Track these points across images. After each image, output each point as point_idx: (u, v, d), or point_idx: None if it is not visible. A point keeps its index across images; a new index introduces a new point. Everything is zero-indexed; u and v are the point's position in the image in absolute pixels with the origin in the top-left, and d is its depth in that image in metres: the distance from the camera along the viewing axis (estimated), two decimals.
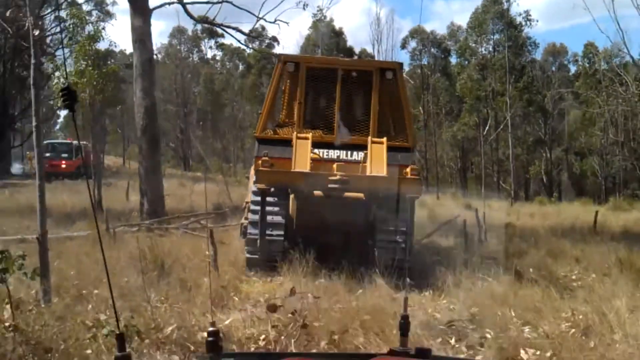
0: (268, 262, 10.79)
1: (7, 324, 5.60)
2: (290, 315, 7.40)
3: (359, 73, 12.14)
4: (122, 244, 12.84)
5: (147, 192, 17.73)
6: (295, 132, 11.09)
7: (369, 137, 11.09)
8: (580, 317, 7.73)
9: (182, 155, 61.02)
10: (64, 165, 36.84)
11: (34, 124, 8.19)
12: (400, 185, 10.60)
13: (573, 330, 7.27)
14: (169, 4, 19.49)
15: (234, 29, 20.84)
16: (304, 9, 22.78)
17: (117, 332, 1.88)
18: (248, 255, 11.16)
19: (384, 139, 10.99)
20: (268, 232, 10.86)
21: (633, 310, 8.01)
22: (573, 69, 58.60)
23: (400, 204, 10.65)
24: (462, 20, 62.44)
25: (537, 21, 54.85)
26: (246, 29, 21.27)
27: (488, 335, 7.15)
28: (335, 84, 11.70)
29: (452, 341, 7.05)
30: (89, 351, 5.81)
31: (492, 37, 52.77)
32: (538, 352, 6.59)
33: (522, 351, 6.58)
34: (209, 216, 17.00)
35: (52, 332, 6.06)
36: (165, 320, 7.01)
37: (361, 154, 11.07)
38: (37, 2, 46.78)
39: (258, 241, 10.84)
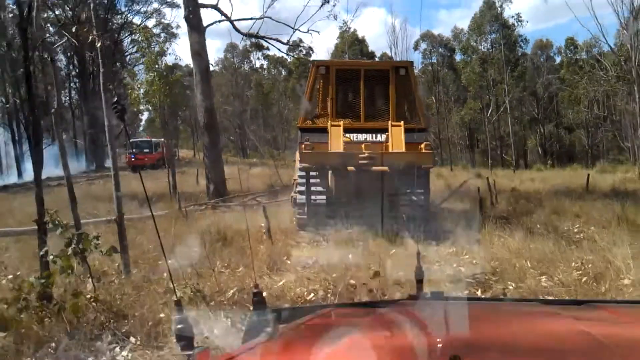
0: (314, 221, 11.12)
1: (88, 296, 5.19)
2: (334, 275, 6.97)
3: (377, 71, 12.74)
4: (193, 220, 12.49)
5: (211, 177, 17.40)
6: (329, 121, 11.61)
7: (389, 122, 11.53)
8: (590, 265, 7.13)
9: (240, 146, 61.18)
10: (146, 159, 37.01)
11: (106, 123, 7.78)
12: (417, 158, 11.02)
13: (585, 278, 6.68)
14: (220, 21, 19.10)
15: (274, 39, 20.39)
16: (335, 18, 22.24)
17: (175, 299, 1.75)
18: (298, 216, 11.54)
19: (402, 123, 11.41)
20: (312, 198, 11.33)
21: (634, 257, 7.40)
22: (558, 59, 57.23)
23: (417, 173, 10.97)
24: (464, 24, 61.82)
25: (527, 22, 53.73)
26: (284, 39, 20.64)
27: (510, 287, 6.59)
28: (359, 81, 12.19)
29: (479, 292, 6.51)
30: (161, 315, 5.40)
31: (489, 36, 51.73)
32: None
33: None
34: (263, 194, 16.67)
35: (129, 300, 5.67)
36: (227, 284, 6.60)
37: (384, 136, 11.51)
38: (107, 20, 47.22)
39: (305, 206, 11.31)
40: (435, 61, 56.47)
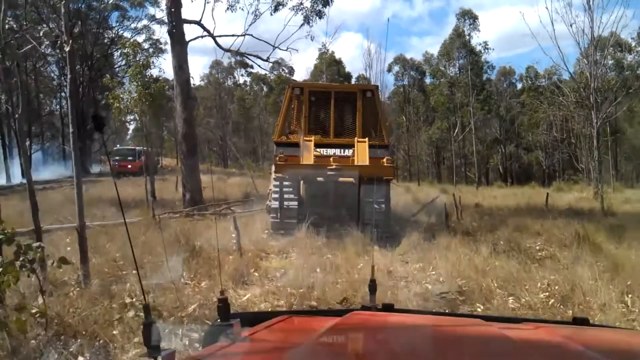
0: (286, 224, 11.44)
1: (33, 311, 4.52)
2: (301, 290, 6.39)
3: (346, 94, 13.43)
4: (165, 229, 11.79)
5: (187, 186, 16.66)
6: (302, 137, 12.07)
7: (355, 138, 12.08)
8: (556, 287, 6.63)
9: (222, 157, 60.43)
10: (129, 166, 36.12)
11: (70, 130, 7.16)
12: (379, 170, 11.47)
13: (552, 300, 6.17)
14: (202, 37, 18.39)
15: (255, 56, 19.76)
16: (312, 39, 21.81)
17: (144, 303, 1.63)
18: (272, 221, 11.81)
19: (367, 139, 11.99)
20: (285, 204, 11.67)
21: (599, 278, 6.93)
22: (519, 85, 57.65)
23: (379, 184, 11.49)
24: (434, 50, 62.00)
25: (493, 49, 53.76)
26: (265, 56, 20.05)
27: (478, 308, 6.05)
28: (330, 102, 12.88)
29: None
30: (115, 332, 4.75)
31: (457, 62, 51.73)
32: None
33: None
34: (238, 203, 16.03)
35: (81, 316, 5.00)
36: (189, 299, 5.97)
37: (350, 151, 12.00)
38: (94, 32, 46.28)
39: (279, 211, 11.62)
40: (406, 83, 56.37)
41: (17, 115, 7.71)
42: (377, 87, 14.80)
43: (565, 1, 27.03)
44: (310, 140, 11.90)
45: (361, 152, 11.66)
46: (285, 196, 11.75)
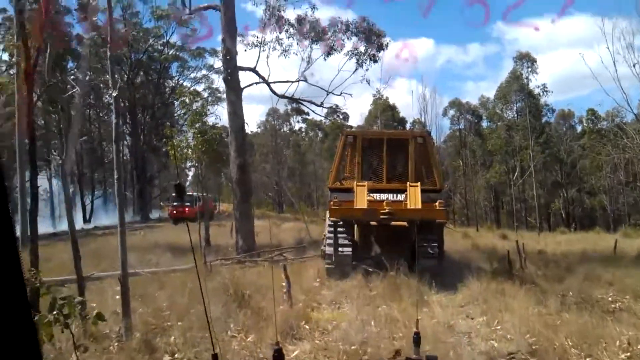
0: (340, 271, 11.41)
1: None
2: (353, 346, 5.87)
3: (398, 140, 13.44)
4: (216, 275, 11.46)
5: (241, 232, 16.40)
6: (355, 182, 12.37)
7: (408, 183, 12.14)
8: (638, 346, 5.88)
9: (277, 202, 60.53)
10: (187, 211, 36.31)
11: (115, 176, 6.91)
12: (431, 214, 11.62)
13: None
14: (257, 83, 18.43)
15: (309, 102, 19.60)
16: (367, 83, 21.42)
17: (213, 353, 1.79)
18: (327, 266, 11.85)
19: (419, 183, 12.09)
20: (340, 249, 11.78)
21: None
22: (579, 128, 56.39)
23: (432, 227, 11.75)
24: (489, 94, 61.28)
25: (552, 92, 52.26)
26: (319, 102, 19.82)
27: None
28: (382, 148, 13.02)
29: None
30: None
31: (515, 105, 50.47)
32: None
33: None
34: (291, 249, 15.65)
35: None
36: (234, 355, 5.54)
37: (403, 195, 12.03)
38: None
39: (333, 256, 11.72)
40: (462, 127, 55.43)
41: (61, 161, 7.48)
42: (429, 132, 15.43)
43: (627, 42, 25.72)
44: (363, 186, 12.07)
45: (413, 196, 11.74)
46: (340, 241, 11.84)
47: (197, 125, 17.49)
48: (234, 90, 16.24)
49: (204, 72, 49.29)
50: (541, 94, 49.60)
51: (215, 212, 49.77)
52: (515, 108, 50.45)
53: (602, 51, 40.33)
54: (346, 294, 9.67)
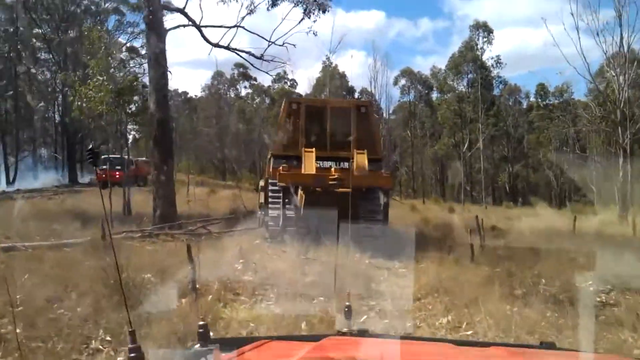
0: (284, 233, 11.50)
1: None
2: None
3: (341, 109, 13.60)
4: (110, 253, 9.17)
5: (159, 199, 13.96)
6: (302, 148, 12.29)
7: (353, 150, 11.90)
8: None
9: (221, 169, 57.87)
10: (117, 175, 33.35)
11: None
12: (379, 181, 12.03)
13: None
14: (185, 26, 15.69)
15: (246, 52, 17.03)
16: (314, 35, 18.90)
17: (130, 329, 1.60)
18: (271, 228, 12.05)
19: (365, 151, 12.07)
20: (286, 212, 11.89)
21: None
22: (524, 103, 55.37)
23: (378, 195, 12.01)
24: (441, 64, 59.63)
25: (505, 64, 50.69)
26: (258, 54, 17.21)
27: None
28: (325, 117, 13.07)
29: None
30: None
31: (466, 76, 49.13)
32: None
33: None
34: (219, 220, 13.46)
35: None
36: None
37: (346, 163, 12.07)
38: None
39: (280, 218, 11.87)
40: (412, 97, 53.71)
41: None
42: (370, 102, 16.87)
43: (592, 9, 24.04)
44: (311, 152, 12.02)
45: (360, 163, 11.75)
46: (287, 206, 11.91)
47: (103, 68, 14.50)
48: (156, 33, 13.58)
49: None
50: (494, 65, 48.49)
51: (149, 177, 46.53)
52: (466, 79, 49.24)
53: (552, 29, 38.94)
54: (274, 279, 7.58)
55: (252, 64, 17.76)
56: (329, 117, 13.06)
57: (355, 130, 12.69)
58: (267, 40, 16.97)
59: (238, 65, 64.42)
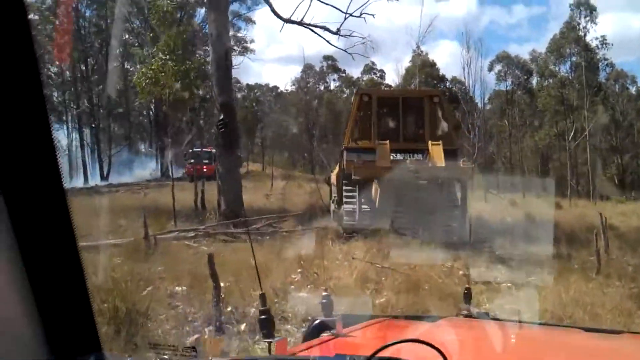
0: (361, 227, 10.78)
1: None
2: None
3: (413, 100, 13.27)
4: (156, 255, 7.72)
5: (224, 193, 12.47)
6: (376, 140, 11.94)
7: (429, 141, 11.75)
8: None
9: (310, 162, 56.91)
10: (205, 169, 32.77)
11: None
12: (457, 172, 11.39)
13: None
14: None
15: (320, 27, 15.20)
16: None
17: (260, 293, 1.91)
18: (346, 224, 11.39)
19: (440, 142, 11.71)
20: (362, 206, 11.40)
21: None
22: (632, 89, 49.55)
23: (457, 185, 11.43)
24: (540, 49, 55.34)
25: (612, 44, 45.42)
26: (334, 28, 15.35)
27: None
28: (397, 108, 12.63)
29: None
30: None
31: (568, 59, 44.80)
32: None
33: None
34: (288, 217, 11.92)
35: None
36: None
37: (421, 155, 11.68)
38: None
39: (356, 213, 11.39)
40: (510, 84, 49.98)
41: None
42: (444, 92, 15.65)
43: None
44: (385, 144, 11.56)
45: (436, 154, 11.34)
46: (362, 200, 11.44)
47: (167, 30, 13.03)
48: (217, 6, 12.05)
49: None
50: (599, 47, 43.64)
51: (244, 171, 46.26)
52: (570, 63, 44.82)
53: None
54: (336, 298, 5.72)
55: (329, 42, 15.99)
56: (402, 108, 12.63)
57: (429, 121, 12.45)
58: (342, 11, 15.08)
59: (327, 58, 64.84)
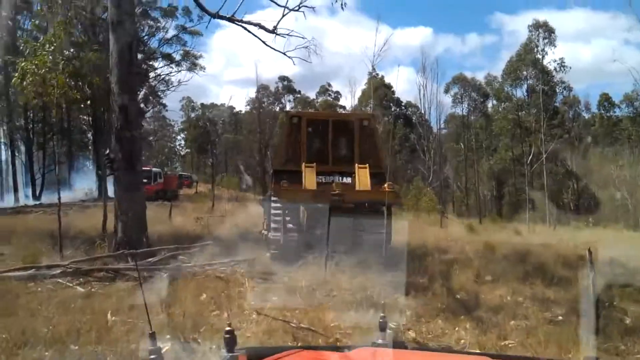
0: (286, 258, 10.22)
1: None
2: None
3: (343, 122, 13.02)
4: None
5: (121, 216, 9.91)
6: (302, 163, 11.39)
7: (355, 164, 11.52)
8: None
9: (263, 183, 55.09)
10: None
11: None
12: (382, 195, 10.59)
13: None
14: None
15: (254, 24, 13.02)
16: (342, 8, 15.09)
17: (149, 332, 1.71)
18: (273, 252, 11.03)
19: (367, 165, 11.44)
20: (289, 234, 10.99)
21: None
22: (586, 115, 50.27)
23: (380, 209, 10.66)
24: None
25: (570, 68, 44.74)
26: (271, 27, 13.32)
27: None
28: (327, 130, 12.27)
29: None
30: None
31: (525, 82, 43.90)
32: None
33: None
34: (194, 247, 9.59)
35: None
36: None
37: (349, 178, 11.43)
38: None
39: (281, 240, 10.97)
40: (466, 107, 49.27)
41: None
42: (373, 115, 15.99)
43: None
44: (312, 167, 11.30)
45: (363, 178, 11.20)
46: (288, 226, 11.08)
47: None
48: None
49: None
50: (557, 69, 42.90)
51: (193, 192, 43.84)
52: (526, 86, 43.98)
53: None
54: None
55: (264, 42, 13.93)
56: (331, 131, 12.26)
57: (358, 144, 12.20)
58: (280, 5, 12.97)
59: (282, 79, 63.74)
